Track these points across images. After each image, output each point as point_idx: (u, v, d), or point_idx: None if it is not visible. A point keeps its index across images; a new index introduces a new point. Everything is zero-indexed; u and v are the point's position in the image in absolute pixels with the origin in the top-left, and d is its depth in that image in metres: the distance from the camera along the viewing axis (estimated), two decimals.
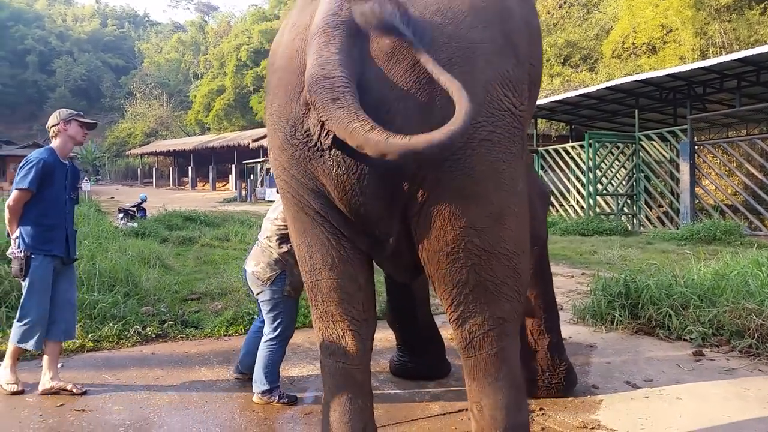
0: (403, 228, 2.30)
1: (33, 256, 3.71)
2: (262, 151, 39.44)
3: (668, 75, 13.82)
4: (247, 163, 39.07)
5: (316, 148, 2.16)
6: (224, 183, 45.03)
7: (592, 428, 3.18)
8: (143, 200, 17.08)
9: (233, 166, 42.70)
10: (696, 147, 14.84)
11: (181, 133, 53.46)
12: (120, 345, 4.71)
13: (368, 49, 2.08)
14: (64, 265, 3.87)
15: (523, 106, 2.28)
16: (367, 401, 2.46)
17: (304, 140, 2.19)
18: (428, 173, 2.11)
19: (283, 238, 3.47)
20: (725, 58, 13.20)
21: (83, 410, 3.47)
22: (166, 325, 5.05)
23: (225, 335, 5.03)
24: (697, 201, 14.71)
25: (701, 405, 3.45)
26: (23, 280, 3.75)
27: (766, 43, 16.55)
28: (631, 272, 5.36)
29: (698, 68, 13.40)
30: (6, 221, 3.82)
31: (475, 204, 2.15)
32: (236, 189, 35.98)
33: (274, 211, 3.63)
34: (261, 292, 3.56)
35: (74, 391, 3.69)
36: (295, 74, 2.18)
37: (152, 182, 48.41)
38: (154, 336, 4.89)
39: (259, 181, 38.37)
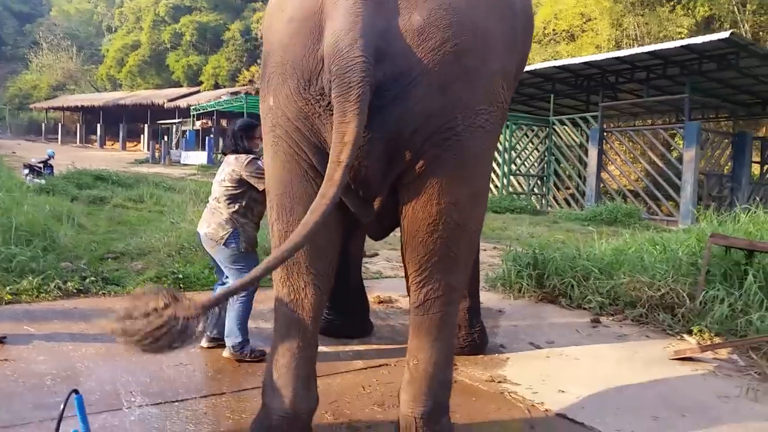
0: (390, 193, 2.48)
1: None
2: (178, 112, 38.10)
3: (584, 63, 14.56)
4: (162, 124, 37.67)
5: (328, 106, 2.22)
6: (135, 143, 43.26)
7: (499, 382, 3.51)
8: (51, 156, 16.23)
9: (146, 125, 41.05)
10: (605, 133, 15.74)
11: (90, 88, 50.58)
12: (40, 299, 4.63)
13: (397, 22, 2.18)
14: None
15: (509, 98, 2.51)
16: (314, 352, 2.60)
17: (317, 97, 2.25)
18: (429, 148, 2.29)
19: (231, 198, 3.59)
20: (637, 50, 14.06)
21: (6, 360, 3.44)
22: (87, 281, 4.98)
23: None
24: (602, 185, 15.66)
25: (596, 365, 3.86)
26: None
27: (673, 39, 17.67)
28: (539, 246, 5.77)
29: (612, 58, 14.19)
30: None
31: (461, 183, 2.37)
32: (149, 150, 34.68)
33: (221, 173, 3.70)
34: (216, 252, 3.65)
35: None
36: (314, 31, 2.22)
37: (58, 139, 45.67)
38: (75, 291, 4.83)
39: (174, 142, 37.16)
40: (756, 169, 16.91)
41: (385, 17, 2.17)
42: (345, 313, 4.23)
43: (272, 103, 2.44)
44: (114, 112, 42.26)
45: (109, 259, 6.13)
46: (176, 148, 34.28)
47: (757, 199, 14.94)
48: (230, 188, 3.61)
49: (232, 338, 3.68)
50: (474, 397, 3.30)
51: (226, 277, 3.81)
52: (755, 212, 5.80)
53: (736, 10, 19.78)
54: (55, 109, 47.25)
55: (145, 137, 40.55)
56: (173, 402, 3.06)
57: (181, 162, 30.38)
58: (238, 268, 3.65)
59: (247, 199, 3.64)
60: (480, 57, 2.28)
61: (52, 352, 3.61)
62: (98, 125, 43.82)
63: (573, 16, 20.48)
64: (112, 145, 43.99)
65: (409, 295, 2.59)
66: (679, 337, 4.33)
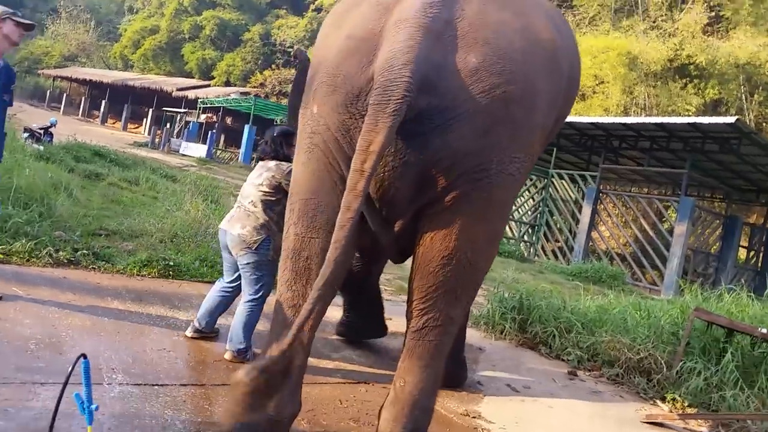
0: (413, 218, 2.55)
1: None
2: (185, 102, 38.14)
3: (591, 123, 14.82)
4: (167, 111, 37.62)
5: None
6: (137, 125, 43.09)
7: (473, 417, 3.55)
8: (53, 124, 16.21)
9: (150, 110, 40.97)
10: (601, 194, 15.97)
11: (101, 64, 50.52)
12: (30, 263, 4.61)
13: (453, 59, 2.26)
14: None
15: (540, 153, 2.65)
16: (305, 360, 2.65)
17: (362, 112, 2.31)
18: (461, 185, 2.37)
19: (268, 204, 3.59)
20: (645, 119, 14.36)
21: None
22: (78, 253, 4.98)
23: (138, 275, 5.04)
24: (591, 243, 15.84)
25: (570, 416, 3.91)
26: None
27: (680, 115, 18.06)
28: (527, 291, 5.84)
29: (619, 123, 14.46)
30: None
31: (482, 224, 2.47)
32: (150, 134, 34.56)
33: (260, 177, 3.69)
34: (245, 254, 3.60)
35: None
36: (370, 51, 2.32)
37: (60, 108, 45.45)
38: (65, 261, 4.82)
39: (175, 131, 37.09)
40: (742, 253, 17.18)
41: (442, 52, 2.26)
42: (362, 316, 4.41)
43: (316, 111, 2.52)
44: (121, 92, 42.15)
45: (101, 236, 6.12)
46: (177, 137, 34.17)
47: (742, 281, 15.22)
48: (268, 194, 3.62)
49: (236, 343, 3.65)
50: (448, 428, 3.33)
51: (233, 281, 3.81)
52: (739, 294, 5.91)
53: (743, 98, 20.28)
54: (63, 78, 47.09)
55: (148, 121, 40.41)
56: (153, 386, 3.07)
57: (180, 152, 30.24)
58: (260, 275, 3.64)
59: (282, 207, 3.58)
60: (525, 108, 2.39)
61: (39, 317, 3.61)
62: (103, 101, 43.60)
63: (587, 77, 20.88)
64: (114, 123, 43.77)
65: (407, 318, 2.64)
66: (651, 402, 4.40)
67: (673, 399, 4.32)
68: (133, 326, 3.85)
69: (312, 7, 39.46)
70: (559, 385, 4.56)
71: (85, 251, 5.04)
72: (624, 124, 14.43)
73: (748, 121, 19.00)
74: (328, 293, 2.32)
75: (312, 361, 3.93)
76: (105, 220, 6.73)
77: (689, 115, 18.19)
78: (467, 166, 2.35)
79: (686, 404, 4.25)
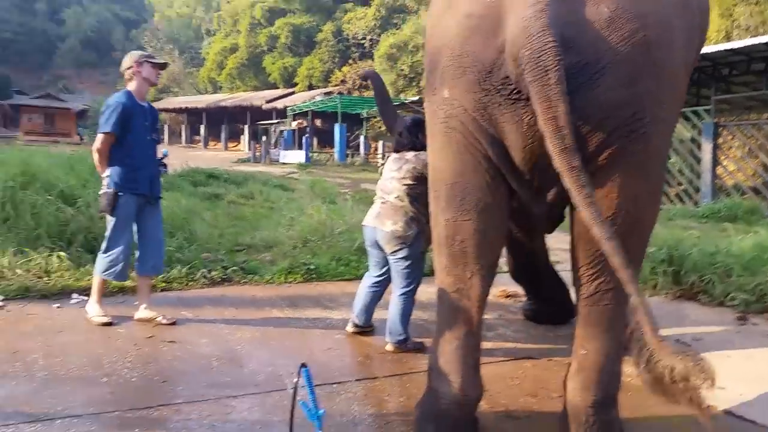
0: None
1: (120, 194, 3.91)
2: (276, 113, 39.43)
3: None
4: (261, 124, 39.06)
5: (510, 95, 2.27)
6: (236, 143, 45.08)
7: None
8: (165, 155, 17.18)
9: (246, 126, 42.70)
10: (719, 127, 14.89)
11: (192, 90, 53.20)
12: (189, 286, 4.97)
13: (584, 12, 2.19)
14: (148, 203, 4.07)
15: (686, 90, 2.52)
16: (479, 341, 2.65)
17: (499, 87, 2.29)
18: (615, 140, 2.27)
19: (414, 197, 3.60)
20: (755, 40, 13.18)
21: (173, 342, 3.72)
22: (229, 270, 5.28)
23: (285, 282, 5.28)
24: (717, 180, 14.83)
25: (750, 363, 3.68)
26: (111, 216, 3.95)
27: None
28: (674, 240, 5.55)
29: (726, 50, 13.39)
30: (96, 163, 4.02)
31: (640, 177, 2.36)
32: (249, 150, 36.06)
33: (400, 170, 3.72)
34: (399, 249, 3.65)
35: (164, 321, 3.94)
36: (494, 25, 2.27)
37: (164, 139, 48.48)
38: (219, 279, 5.14)
39: (272, 142, 38.45)
40: None
41: (571, 7, 2.18)
42: (545, 300, 4.44)
43: (447, 94, 2.47)
44: (216, 114, 44.29)
45: (240, 251, 6.44)
46: (275, 148, 35.43)
47: None
48: (412, 186, 3.62)
49: (395, 334, 3.72)
50: (629, 391, 3.22)
51: (381, 274, 3.87)
52: None
53: None
54: (161, 110, 49.95)
55: (245, 137, 42.18)
56: (332, 384, 3.19)
57: (280, 161, 31.38)
58: (413, 268, 3.68)
59: (426, 198, 3.64)
60: (667, 49, 2.27)
61: (212, 335, 3.86)
62: (201, 126, 45.99)
63: None
64: (215, 145, 46.07)
65: (575, 286, 2.57)
66: None
67: None
68: (296, 331, 4.03)
69: None
70: (731, 331, 4.31)
71: (234, 268, 5.33)
72: (731, 50, 13.33)
73: None
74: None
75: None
76: (238, 236, 7.08)
77: None
78: (620, 119, 2.25)
79: None
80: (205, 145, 45.75)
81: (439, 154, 2.64)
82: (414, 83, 35.15)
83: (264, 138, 36.00)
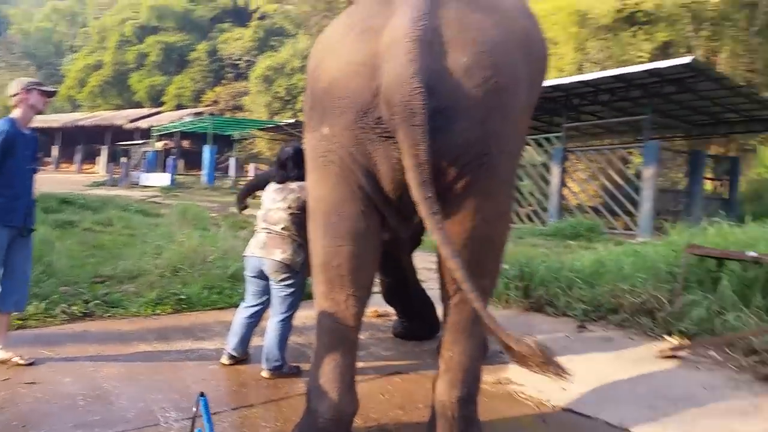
0: None
1: None
2: (140, 134, 37.74)
3: (551, 86, 15.12)
4: (122, 145, 37.13)
5: (382, 134, 2.54)
6: (91, 165, 42.51)
7: (506, 384, 3.82)
8: None
9: (104, 147, 40.46)
10: (567, 152, 16.34)
11: (48, 109, 49.54)
12: (47, 323, 4.71)
13: (446, 62, 2.48)
14: (20, 235, 3.87)
15: (528, 127, 2.92)
16: (354, 359, 2.87)
17: (373, 126, 2.54)
18: (467, 172, 2.59)
19: (300, 225, 3.65)
20: (603, 73, 14.67)
21: (33, 383, 3.53)
22: (91, 304, 5.08)
23: (153, 314, 5.16)
24: (563, 201, 16.22)
25: (590, 365, 4.15)
26: None
27: (634, 63, 18.48)
28: (525, 258, 6.10)
29: (578, 81, 14.80)
30: None
31: (491, 202, 2.71)
32: (107, 172, 34.10)
33: (285, 200, 3.82)
34: (287, 277, 3.75)
35: (21, 362, 3.74)
36: (371, 72, 2.52)
37: None
38: (80, 315, 4.91)
39: (133, 164, 36.69)
40: (708, 184, 17.73)
41: (436, 58, 2.48)
42: (415, 318, 4.72)
43: (327, 131, 2.71)
44: (72, 133, 41.57)
45: (100, 283, 6.15)
46: (136, 170, 33.82)
47: (714, 212, 15.73)
48: (298, 215, 3.70)
49: (272, 360, 3.78)
50: (486, 398, 3.54)
51: (259, 303, 3.96)
52: (720, 225, 6.24)
53: (691, 35, 20.80)
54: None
55: (103, 158, 39.91)
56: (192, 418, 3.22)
57: (141, 184, 29.98)
58: (296, 295, 3.81)
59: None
60: (513, 93, 2.64)
61: (76, 373, 3.72)
62: (55, 147, 42.90)
63: None
64: (67, 167, 43.07)
65: (442, 298, 2.90)
66: (660, 339, 4.67)
67: (680, 331, 4.60)
68: (167, 364, 3.98)
69: (256, 15, 39.19)
70: (572, 339, 4.82)
71: (96, 302, 5.13)
72: (582, 82, 14.77)
73: (698, 57, 19.56)
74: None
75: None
76: (98, 267, 6.75)
77: (642, 62, 18.54)
78: (472, 153, 2.59)
79: (692, 334, 4.54)
80: (57, 167, 42.65)
81: (317, 184, 2.86)
82: (289, 106, 35.21)
83: (124, 159, 34.29)
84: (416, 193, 2.41)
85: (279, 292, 3.80)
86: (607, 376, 3.92)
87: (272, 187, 3.97)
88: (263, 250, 3.80)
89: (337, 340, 2.78)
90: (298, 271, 3.75)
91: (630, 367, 4.08)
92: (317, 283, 2.84)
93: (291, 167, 3.89)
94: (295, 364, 3.92)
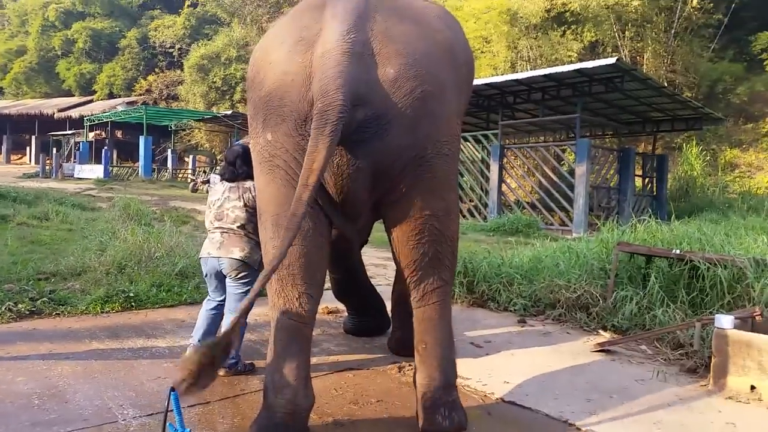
0: (372, 210, 3.03)
1: None
2: (70, 123, 36.28)
3: (486, 84, 15.55)
4: (53, 135, 35.63)
5: None
6: (20, 156, 40.60)
7: None
8: None
9: (33, 137, 38.70)
10: (504, 149, 16.86)
11: None
12: None
13: (375, 73, 2.68)
14: None
15: (460, 129, 3.15)
16: (309, 355, 2.98)
17: (309, 132, 2.67)
18: (407, 174, 2.83)
19: (255, 223, 3.58)
20: (534, 72, 15.20)
21: None
22: (39, 302, 4.99)
23: (102, 312, 5.12)
24: (502, 197, 16.74)
25: (530, 359, 4.42)
26: None
27: (564, 62, 19.19)
28: (469, 254, 6.35)
29: (512, 80, 15.27)
30: None
31: (436, 199, 2.94)
32: (38, 163, 32.69)
33: (240, 199, 3.86)
34: (245, 274, 3.79)
35: None
36: (306, 81, 2.70)
37: None
38: (27, 312, 4.84)
39: (65, 155, 35.28)
40: (638, 182, 18.66)
41: (365, 69, 2.68)
42: (365, 314, 4.83)
43: (270, 137, 2.89)
44: None
45: (42, 280, 6.04)
46: (69, 161, 32.55)
47: (643, 208, 16.59)
48: (254, 213, 3.69)
49: (233, 357, 3.82)
50: None
51: (222, 300, 3.94)
52: (648, 222, 6.67)
53: (617, 36, 21.78)
54: None
55: (32, 149, 38.14)
56: (163, 413, 3.27)
57: (75, 176, 28.88)
58: (248, 289, 3.78)
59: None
60: (440, 100, 2.87)
61: (28, 372, 3.70)
62: None
63: (474, 39, 21.70)
64: None
65: (400, 297, 3.08)
66: (595, 333, 5.01)
67: (613, 326, 4.95)
68: (121, 363, 3.99)
69: (187, 2, 38.20)
70: (514, 333, 5.09)
71: (44, 299, 5.05)
72: (516, 80, 15.24)
73: (624, 57, 20.48)
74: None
75: None
76: (40, 264, 6.62)
77: (572, 61, 19.36)
78: (407, 158, 2.83)
79: (624, 328, 4.89)
80: None
81: (265, 188, 3.01)
82: (227, 96, 34.58)
83: (55, 150, 32.92)
84: (297, 192, 2.55)
85: (235, 288, 3.83)
86: (546, 369, 4.18)
87: (223, 186, 3.98)
88: (221, 249, 3.83)
89: (292, 337, 2.89)
90: (255, 269, 3.81)
91: (568, 361, 4.37)
92: (270, 282, 2.92)
93: (240, 165, 3.92)
94: (249, 362, 4.00)
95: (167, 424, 2.35)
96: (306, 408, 2.91)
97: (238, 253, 3.79)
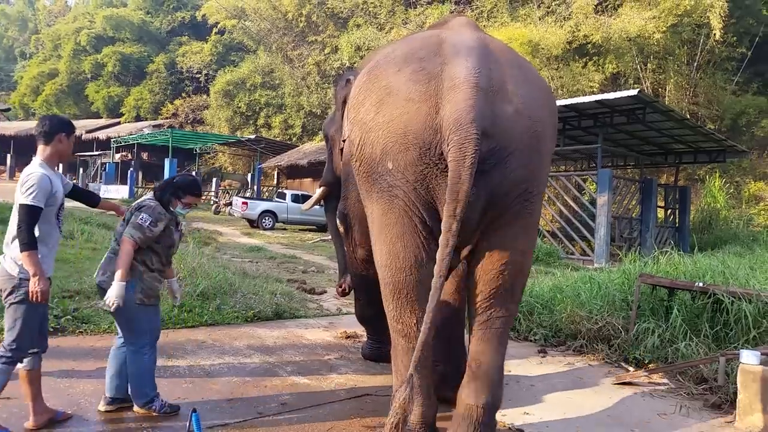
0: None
1: None
2: (97, 144, 37.02)
3: None
4: (80, 156, 36.37)
5: (444, 169, 2.81)
6: None
7: None
8: None
9: None
10: None
11: (1, 116, 48.15)
12: None
13: (499, 109, 2.82)
14: None
15: None
16: (431, 371, 3.22)
17: (435, 161, 2.84)
18: (513, 206, 2.96)
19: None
20: (557, 103, 15.23)
21: (8, 398, 3.55)
22: (62, 319, 5.07)
23: None
24: None
25: (550, 390, 4.38)
26: None
27: (585, 93, 19.22)
28: None
29: None
30: None
31: (526, 236, 3.13)
32: None
33: (128, 212, 3.58)
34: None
35: None
36: (432, 110, 2.84)
37: None
38: (51, 330, 4.87)
39: (91, 176, 35.95)
40: (660, 213, 18.50)
41: (490, 104, 2.82)
42: (386, 340, 4.68)
43: (391, 166, 2.99)
44: (26, 142, 40.21)
45: (67, 298, 6.12)
46: (95, 182, 33.15)
47: (665, 240, 16.41)
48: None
49: (141, 399, 3.46)
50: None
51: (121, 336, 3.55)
52: (671, 255, 6.61)
53: (639, 68, 21.79)
54: None
55: (60, 169, 38.88)
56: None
57: (101, 196, 29.38)
58: (131, 319, 3.42)
59: (146, 246, 3.43)
60: (546, 140, 3.06)
61: (52, 389, 3.73)
62: (8, 155, 41.62)
63: None
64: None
65: (470, 315, 3.21)
66: (617, 365, 4.94)
67: (635, 358, 4.88)
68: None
69: (215, 30, 39.06)
70: (534, 363, 5.04)
71: (68, 317, 5.12)
72: None
73: (645, 89, 20.46)
74: (435, 319, 2.82)
75: (313, 383, 4.27)
76: (63, 282, 6.71)
77: (593, 92, 19.37)
78: (518, 191, 2.97)
79: (646, 361, 4.82)
80: (11, 176, 41.27)
81: (380, 216, 3.13)
82: (251, 121, 35.10)
83: (82, 171, 33.56)
84: (445, 222, 2.73)
85: (117, 321, 3.53)
86: (567, 400, 4.14)
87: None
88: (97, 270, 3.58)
89: (410, 357, 3.03)
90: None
91: (589, 393, 4.32)
92: (392, 307, 3.15)
93: (168, 190, 3.63)
94: (175, 404, 3.57)
95: None
96: (432, 416, 3.18)
97: (99, 276, 3.50)
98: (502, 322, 3.13)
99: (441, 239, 2.74)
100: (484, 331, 3.11)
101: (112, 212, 4.03)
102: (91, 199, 3.85)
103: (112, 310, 3.31)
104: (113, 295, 3.25)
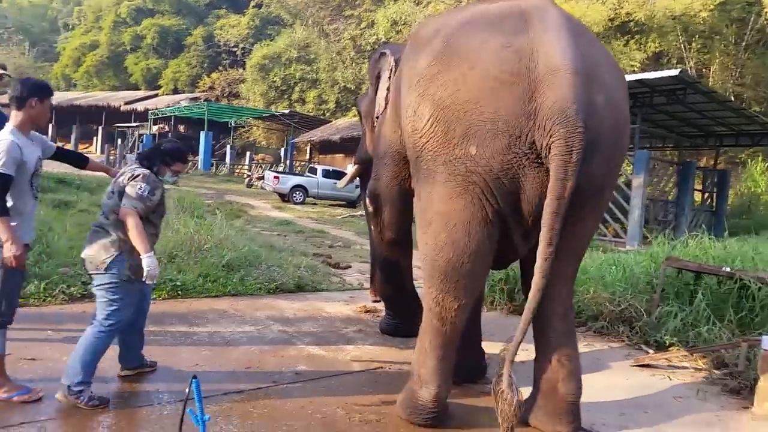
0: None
1: None
2: (135, 115, 37.63)
3: None
4: (119, 127, 37.03)
5: (536, 159, 2.66)
6: (87, 145, 42.28)
7: (486, 383, 3.96)
8: None
9: (100, 127, 40.29)
10: None
11: None
12: (47, 302, 4.86)
13: (594, 100, 2.63)
14: None
15: None
16: (453, 354, 3.22)
17: (525, 150, 2.65)
18: (594, 199, 2.87)
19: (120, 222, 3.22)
20: None
21: (34, 359, 3.70)
22: (89, 286, 5.20)
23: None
24: None
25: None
26: None
27: (626, 72, 18.71)
28: None
29: None
30: None
31: (594, 228, 3.12)
32: (103, 153, 33.97)
33: (113, 183, 3.40)
34: (95, 279, 3.28)
35: None
36: (524, 94, 2.62)
37: None
38: (79, 296, 5.06)
39: (129, 146, 36.58)
40: (697, 196, 18.03)
41: (588, 95, 2.62)
42: (406, 316, 4.75)
43: (474, 152, 2.74)
44: (67, 112, 41.27)
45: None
46: (132, 153, 33.74)
47: (700, 224, 16.02)
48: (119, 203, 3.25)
49: (71, 377, 3.17)
50: (467, 398, 3.73)
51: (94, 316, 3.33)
52: (701, 238, 6.45)
53: (683, 48, 21.10)
54: (3, 105, 45.76)
55: (99, 139, 39.74)
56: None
57: None
58: (114, 299, 3.24)
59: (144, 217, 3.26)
60: (624, 136, 2.98)
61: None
62: (50, 125, 42.66)
63: None
64: (64, 145, 42.61)
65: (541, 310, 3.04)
66: (636, 347, 4.88)
67: (656, 341, 4.81)
68: (162, 348, 4.09)
69: (252, 3, 39.10)
70: None
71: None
72: None
73: (689, 70, 19.81)
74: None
75: (328, 354, 4.32)
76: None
77: (634, 70, 18.84)
78: (598, 185, 2.86)
79: (667, 344, 4.74)
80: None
81: (446, 198, 2.89)
82: (285, 95, 35.21)
83: (120, 141, 34.15)
84: (548, 220, 2.60)
85: (98, 298, 3.35)
86: (584, 380, 4.06)
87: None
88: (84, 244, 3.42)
89: (442, 342, 3.11)
90: (105, 272, 3.25)
91: (607, 373, 4.28)
92: (430, 289, 3.09)
93: (155, 156, 3.48)
94: (105, 396, 3.25)
95: (188, 410, 2.41)
96: (445, 395, 3.21)
97: (85, 251, 3.31)
98: (571, 311, 3.17)
99: (543, 237, 2.61)
100: (564, 324, 3.12)
101: (103, 173, 3.97)
102: (79, 160, 3.79)
103: (155, 283, 3.37)
104: (152, 269, 3.17)
